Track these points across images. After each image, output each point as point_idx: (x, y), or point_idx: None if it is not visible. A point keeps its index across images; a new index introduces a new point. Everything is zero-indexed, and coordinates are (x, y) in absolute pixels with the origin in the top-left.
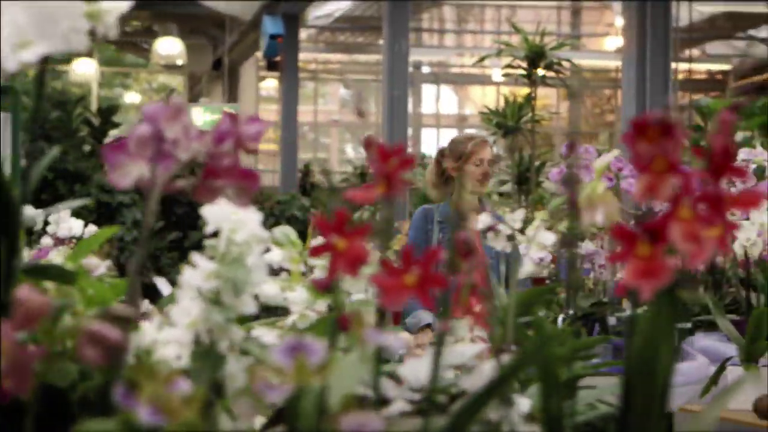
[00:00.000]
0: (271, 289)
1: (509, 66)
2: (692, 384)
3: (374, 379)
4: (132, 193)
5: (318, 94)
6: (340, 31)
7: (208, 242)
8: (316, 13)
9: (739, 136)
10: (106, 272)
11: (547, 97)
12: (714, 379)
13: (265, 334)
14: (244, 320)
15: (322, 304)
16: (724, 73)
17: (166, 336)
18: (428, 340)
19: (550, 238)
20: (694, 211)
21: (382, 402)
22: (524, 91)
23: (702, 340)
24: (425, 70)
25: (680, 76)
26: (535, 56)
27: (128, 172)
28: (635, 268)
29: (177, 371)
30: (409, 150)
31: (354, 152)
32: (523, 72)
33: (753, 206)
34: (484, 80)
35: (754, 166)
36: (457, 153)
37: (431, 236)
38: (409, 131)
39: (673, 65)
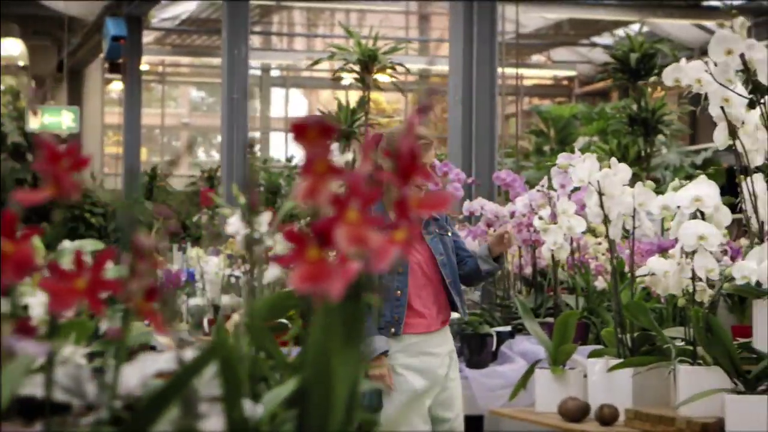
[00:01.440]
0: None
1: (342, 69)
2: (510, 387)
3: (47, 386)
4: None
5: (167, 97)
6: (186, 34)
7: None
8: (161, 16)
9: (581, 141)
10: None
11: (397, 102)
12: (523, 382)
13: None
14: None
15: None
16: (569, 78)
17: None
18: (383, 371)
19: None
20: (361, 214)
21: (90, 408)
22: (374, 95)
23: (522, 343)
24: (274, 73)
25: (526, 82)
26: (368, 60)
27: None
28: (303, 272)
29: None
30: (257, 152)
31: (205, 155)
32: (356, 76)
33: (440, 208)
34: (334, 84)
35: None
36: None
37: None
38: (257, 135)
39: (519, 71)
